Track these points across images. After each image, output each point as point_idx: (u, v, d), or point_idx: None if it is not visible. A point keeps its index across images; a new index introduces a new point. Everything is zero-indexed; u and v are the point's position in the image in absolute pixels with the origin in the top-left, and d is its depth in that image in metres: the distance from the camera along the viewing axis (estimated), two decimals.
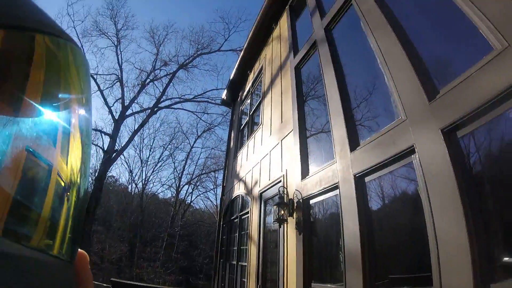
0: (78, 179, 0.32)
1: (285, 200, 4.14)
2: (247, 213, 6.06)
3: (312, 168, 4.07)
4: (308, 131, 4.53)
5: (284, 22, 6.80)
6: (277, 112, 5.78)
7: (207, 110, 24.06)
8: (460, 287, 1.91)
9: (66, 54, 0.33)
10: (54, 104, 0.30)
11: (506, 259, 1.87)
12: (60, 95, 0.31)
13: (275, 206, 4.11)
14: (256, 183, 5.88)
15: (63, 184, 0.30)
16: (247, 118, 8.06)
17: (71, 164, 0.31)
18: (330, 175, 3.45)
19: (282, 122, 5.40)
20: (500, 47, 2.04)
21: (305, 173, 4.09)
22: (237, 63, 9.18)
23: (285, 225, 4.15)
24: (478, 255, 1.88)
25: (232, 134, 9.29)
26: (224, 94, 10.34)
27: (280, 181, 4.68)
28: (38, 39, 0.29)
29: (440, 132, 2.29)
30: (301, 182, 4.02)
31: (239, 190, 6.99)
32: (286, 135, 4.99)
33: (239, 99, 9.59)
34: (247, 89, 8.73)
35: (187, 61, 20.04)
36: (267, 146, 5.79)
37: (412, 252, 2.59)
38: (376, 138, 2.95)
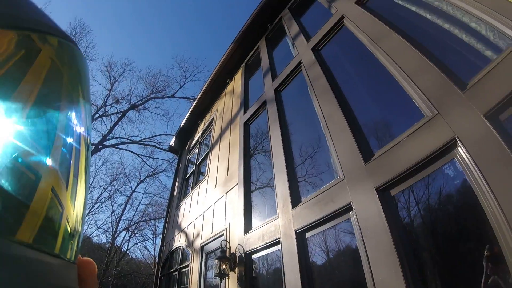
0: (79, 180, 0.33)
1: (227, 254, 4.08)
2: (187, 266, 5.77)
3: (255, 222, 4.12)
4: (253, 185, 4.65)
5: (238, 79, 7.23)
6: (223, 164, 5.87)
7: (153, 154, 23.22)
8: None
9: (66, 54, 0.33)
10: (55, 104, 0.30)
11: None
12: (60, 95, 0.31)
13: (216, 260, 4.02)
14: (198, 235, 5.72)
15: (65, 185, 0.30)
16: (194, 168, 8.01)
17: (72, 166, 0.32)
18: (273, 230, 3.53)
19: (228, 175, 5.48)
20: (430, 114, 2.40)
21: (248, 227, 4.12)
22: (189, 111, 9.32)
23: (227, 280, 4.04)
24: None
25: (177, 183, 9.08)
26: (172, 141, 10.25)
27: (223, 234, 4.63)
28: (37, 39, 0.29)
29: (375, 191, 2.55)
30: (244, 236, 4.03)
31: (180, 241, 6.69)
32: (231, 189, 5.05)
33: (187, 147, 9.57)
34: (196, 138, 8.81)
35: (139, 102, 19.49)
36: (211, 198, 5.76)
37: None
38: (316, 196, 3.16)
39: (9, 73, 0.25)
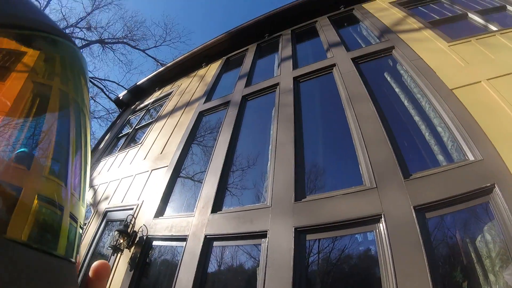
0: (80, 177, 0.33)
1: (129, 230, 3.92)
2: (84, 224, 5.35)
3: (169, 211, 4.05)
4: (181, 174, 4.58)
5: (214, 68, 7.11)
6: (161, 141, 5.68)
7: (96, 97, 21.86)
8: None
9: (65, 53, 0.33)
10: (53, 103, 0.30)
11: None
12: (59, 95, 0.31)
13: (116, 232, 3.83)
14: (106, 198, 5.40)
15: (65, 185, 0.30)
16: (130, 130, 7.61)
17: (74, 162, 0.32)
18: (184, 225, 3.49)
19: (161, 153, 5.30)
20: (369, 185, 2.62)
21: (160, 212, 4.02)
22: (153, 74, 8.88)
23: (119, 255, 3.85)
24: None
25: (107, 136, 8.50)
26: (122, 94, 9.60)
27: (132, 209, 4.45)
28: (36, 39, 0.30)
29: (293, 229, 2.68)
30: (153, 220, 3.91)
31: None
32: (159, 168, 4.89)
33: (133, 107, 9.06)
34: (146, 102, 8.40)
35: (109, 39, 18.22)
36: (135, 168, 5.51)
37: None
38: (238, 211, 3.21)
39: (7, 74, 0.25)
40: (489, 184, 2.19)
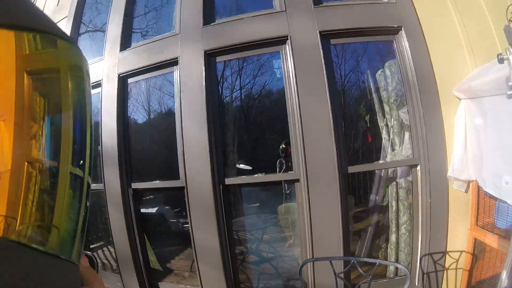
0: (81, 181, 0.32)
1: None
2: None
3: None
4: (83, 25, 4.00)
5: None
6: None
7: None
8: (200, 180, 2.46)
9: (66, 53, 0.32)
10: (52, 104, 0.30)
11: (239, 165, 2.58)
12: (58, 95, 0.30)
13: None
14: None
15: (68, 185, 0.30)
16: None
17: (75, 166, 0.31)
18: (95, 71, 3.24)
19: (58, 4, 4.46)
20: (278, 9, 2.58)
21: None
22: None
23: None
24: (216, 154, 2.48)
25: None
26: None
27: None
28: (36, 39, 0.28)
29: (203, 53, 2.63)
30: None
31: None
32: (58, 21, 4.19)
33: None
34: None
35: None
36: None
37: (163, 151, 3.02)
38: (147, 43, 3.01)
39: (8, 73, 0.25)
40: (396, 26, 2.32)
